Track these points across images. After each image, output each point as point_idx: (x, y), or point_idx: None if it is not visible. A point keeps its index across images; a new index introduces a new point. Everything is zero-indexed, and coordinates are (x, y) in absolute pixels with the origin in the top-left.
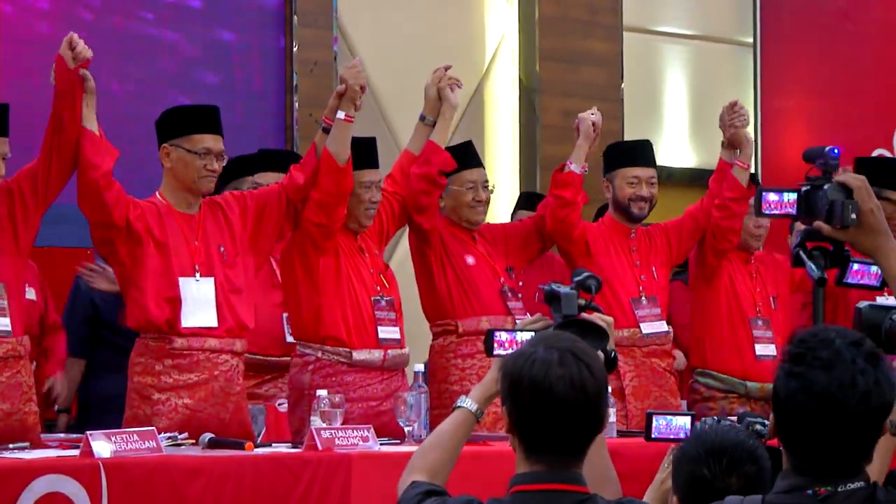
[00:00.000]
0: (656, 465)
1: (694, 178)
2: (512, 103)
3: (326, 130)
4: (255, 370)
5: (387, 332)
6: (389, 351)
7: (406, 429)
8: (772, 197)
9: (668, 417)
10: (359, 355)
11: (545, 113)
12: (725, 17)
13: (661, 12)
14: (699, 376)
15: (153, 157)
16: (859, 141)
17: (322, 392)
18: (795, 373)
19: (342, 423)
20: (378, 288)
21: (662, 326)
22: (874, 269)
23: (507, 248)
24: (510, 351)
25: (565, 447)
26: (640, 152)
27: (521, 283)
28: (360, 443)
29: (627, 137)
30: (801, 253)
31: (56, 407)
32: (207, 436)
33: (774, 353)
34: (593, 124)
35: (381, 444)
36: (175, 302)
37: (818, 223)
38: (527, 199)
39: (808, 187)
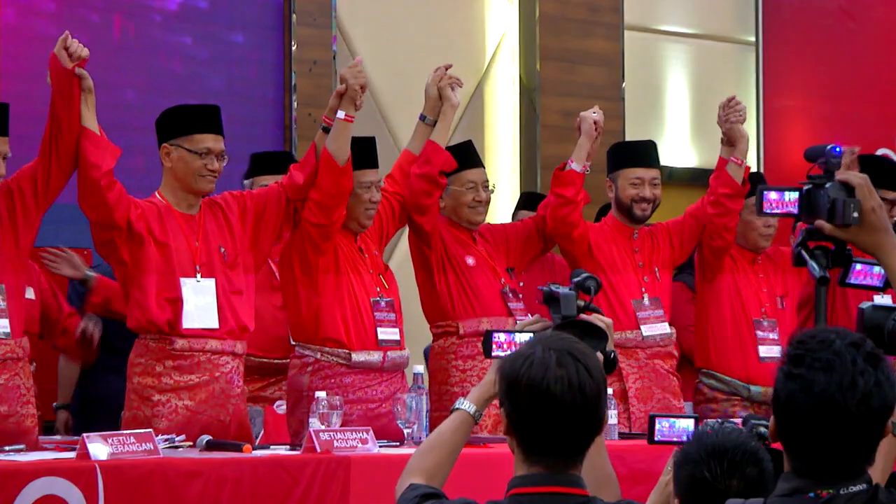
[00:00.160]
0: (658, 467)
1: (695, 178)
2: (512, 103)
3: (326, 130)
4: (259, 373)
5: (386, 333)
6: (389, 352)
7: (405, 431)
8: (773, 196)
9: (672, 420)
10: (358, 357)
11: (545, 112)
12: (727, 15)
13: (662, 11)
14: (704, 377)
15: (153, 155)
16: (862, 140)
17: (321, 394)
18: (795, 374)
19: (341, 425)
20: (378, 289)
21: (665, 328)
22: (877, 269)
23: (508, 248)
24: (508, 352)
25: (564, 449)
26: (644, 153)
27: (521, 284)
28: (359, 445)
29: (628, 137)
30: (803, 252)
31: (54, 404)
32: (205, 438)
33: (779, 355)
34: (595, 123)
35: (380, 447)
36: (176, 303)
37: (820, 222)
38: (528, 199)
39: (810, 186)
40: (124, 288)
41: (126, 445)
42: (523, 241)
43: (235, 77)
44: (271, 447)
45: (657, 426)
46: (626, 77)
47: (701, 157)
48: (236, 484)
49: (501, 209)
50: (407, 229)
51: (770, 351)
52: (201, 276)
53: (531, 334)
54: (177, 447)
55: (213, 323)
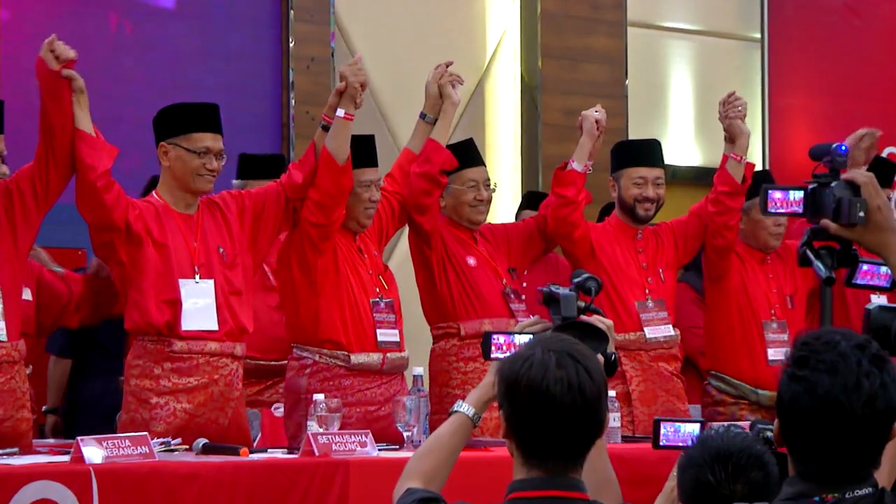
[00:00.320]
0: (661, 471)
1: (699, 177)
2: (513, 101)
3: (326, 128)
4: (256, 376)
5: (386, 334)
6: (388, 354)
7: (405, 434)
8: (777, 195)
9: (677, 424)
10: (357, 358)
11: (547, 111)
12: (732, 12)
13: (666, 7)
14: (712, 379)
15: (150, 154)
16: None
17: (319, 396)
18: (799, 376)
19: (339, 428)
20: (377, 289)
21: (669, 330)
22: (884, 269)
23: (510, 248)
24: (507, 354)
25: (564, 452)
26: (647, 152)
27: (524, 285)
28: (358, 448)
29: (632, 136)
30: (808, 252)
31: (43, 408)
32: (201, 441)
33: None
34: (597, 122)
35: (379, 450)
36: (175, 304)
37: (825, 221)
38: (532, 199)
39: (815, 185)
40: (122, 289)
41: (121, 449)
42: (525, 241)
43: (232, 74)
44: (269, 450)
45: (662, 430)
46: (629, 75)
47: (705, 156)
48: (233, 488)
49: (502, 209)
50: (407, 229)
51: (779, 354)
52: (200, 277)
53: (531, 336)
54: (173, 450)
55: (213, 324)
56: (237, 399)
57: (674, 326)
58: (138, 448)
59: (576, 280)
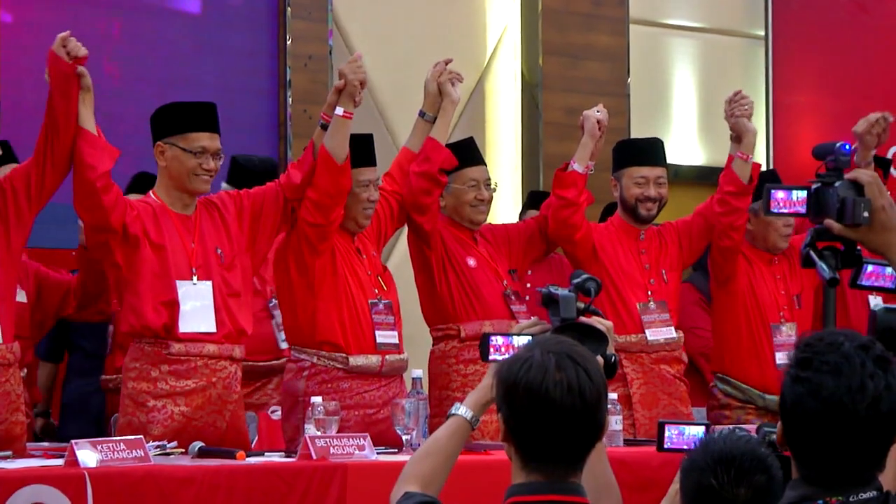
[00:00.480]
0: (664, 474)
1: (703, 177)
2: (514, 99)
3: (325, 127)
4: (247, 377)
5: (385, 336)
6: (387, 356)
7: (404, 437)
8: (780, 195)
9: (681, 427)
10: (355, 361)
11: (548, 109)
12: (736, 9)
13: (668, 4)
14: (719, 381)
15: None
16: None
17: (317, 399)
18: (802, 378)
19: (337, 432)
20: (376, 291)
21: (671, 332)
22: (889, 270)
23: (510, 249)
24: (506, 355)
25: (563, 456)
26: (649, 151)
27: (528, 286)
28: (356, 451)
29: (634, 134)
30: (812, 253)
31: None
32: (197, 444)
33: None
34: (598, 122)
35: (377, 453)
36: (172, 306)
37: (828, 221)
38: (536, 199)
39: (819, 185)
40: (118, 291)
41: (116, 452)
42: (526, 242)
43: (228, 72)
44: (266, 454)
45: (666, 433)
46: (632, 72)
47: (708, 155)
48: (229, 492)
49: (503, 208)
50: (406, 229)
51: (787, 357)
52: (198, 279)
53: (529, 337)
54: (168, 454)
55: (210, 326)
56: (235, 402)
57: (677, 328)
58: (133, 451)
59: (575, 281)
